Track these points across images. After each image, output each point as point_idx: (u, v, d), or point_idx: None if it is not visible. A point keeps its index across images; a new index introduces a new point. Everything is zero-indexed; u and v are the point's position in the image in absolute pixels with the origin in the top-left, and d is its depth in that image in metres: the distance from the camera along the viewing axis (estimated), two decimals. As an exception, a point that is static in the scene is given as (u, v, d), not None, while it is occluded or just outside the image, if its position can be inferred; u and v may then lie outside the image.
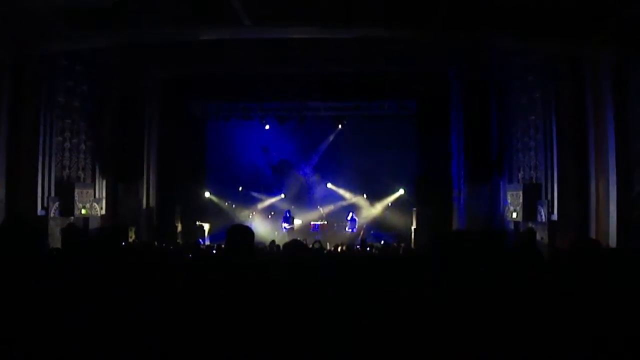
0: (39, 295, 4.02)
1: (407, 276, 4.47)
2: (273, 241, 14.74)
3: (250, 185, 21.22)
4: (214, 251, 12.20)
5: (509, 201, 13.64)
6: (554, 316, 3.38)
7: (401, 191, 20.10)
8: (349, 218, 20.25)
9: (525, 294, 3.64)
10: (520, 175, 13.87)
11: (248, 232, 5.11)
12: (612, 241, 10.45)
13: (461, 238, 4.13)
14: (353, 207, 20.75)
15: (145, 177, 15.96)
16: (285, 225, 19.92)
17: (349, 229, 20.09)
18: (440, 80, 16.92)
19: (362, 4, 10.84)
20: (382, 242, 17.35)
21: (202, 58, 14.78)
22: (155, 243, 13.72)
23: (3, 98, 11.65)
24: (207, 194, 19.98)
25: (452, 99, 16.71)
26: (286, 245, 6.36)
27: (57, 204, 12.76)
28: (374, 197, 20.69)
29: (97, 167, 13.91)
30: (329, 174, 21.03)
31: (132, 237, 14.60)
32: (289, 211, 20.21)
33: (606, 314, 3.30)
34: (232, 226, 5.09)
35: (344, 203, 21.03)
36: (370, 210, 20.71)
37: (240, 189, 21.06)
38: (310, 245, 9.74)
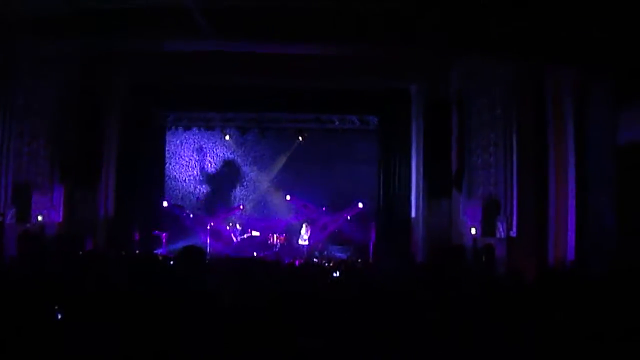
0: None
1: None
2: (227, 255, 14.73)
3: (209, 195, 21.10)
4: (172, 262, 12.06)
5: (468, 217, 13.81)
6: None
7: (360, 205, 20.18)
8: (305, 231, 20.21)
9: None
10: (479, 192, 14.05)
11: (200, 252, 5.31)
12: (570, 257, 10.67)
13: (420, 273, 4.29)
14: (311, 220, 20.72)
15: (104, 184, 15.60)
16: (237, 238, 19.87)
17: (305, 242, 20.01)
18: (402, 96, 17.12)
19: (322, 21, 11.03)
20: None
21: (167, 66, 14.67)
22: (112, 252, 13.44)
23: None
24: (164, 203, 19.71)
25: (414, 114, 16.91)
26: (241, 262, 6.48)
27: (13, 210, 12.40)
28: (333, 210, 20.70)
29: (55, 173, 13.56)
30: (288, 186, 21.00)
31: (88, 245, 14.29)
32: (236, 224, 20.12)
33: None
34: (185, 247, 5.28)
35: (302, 216, 20.98)
36: (329, 224, 20.71)
37: (197, 199, 20.95)
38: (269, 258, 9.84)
